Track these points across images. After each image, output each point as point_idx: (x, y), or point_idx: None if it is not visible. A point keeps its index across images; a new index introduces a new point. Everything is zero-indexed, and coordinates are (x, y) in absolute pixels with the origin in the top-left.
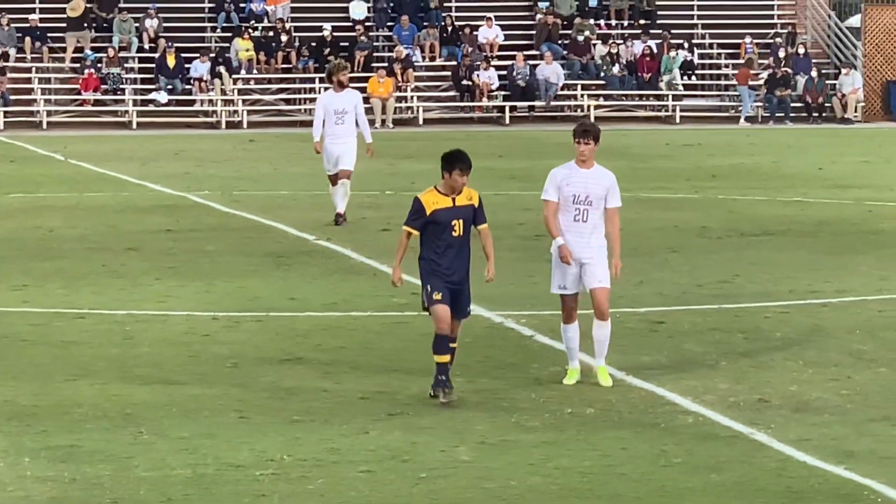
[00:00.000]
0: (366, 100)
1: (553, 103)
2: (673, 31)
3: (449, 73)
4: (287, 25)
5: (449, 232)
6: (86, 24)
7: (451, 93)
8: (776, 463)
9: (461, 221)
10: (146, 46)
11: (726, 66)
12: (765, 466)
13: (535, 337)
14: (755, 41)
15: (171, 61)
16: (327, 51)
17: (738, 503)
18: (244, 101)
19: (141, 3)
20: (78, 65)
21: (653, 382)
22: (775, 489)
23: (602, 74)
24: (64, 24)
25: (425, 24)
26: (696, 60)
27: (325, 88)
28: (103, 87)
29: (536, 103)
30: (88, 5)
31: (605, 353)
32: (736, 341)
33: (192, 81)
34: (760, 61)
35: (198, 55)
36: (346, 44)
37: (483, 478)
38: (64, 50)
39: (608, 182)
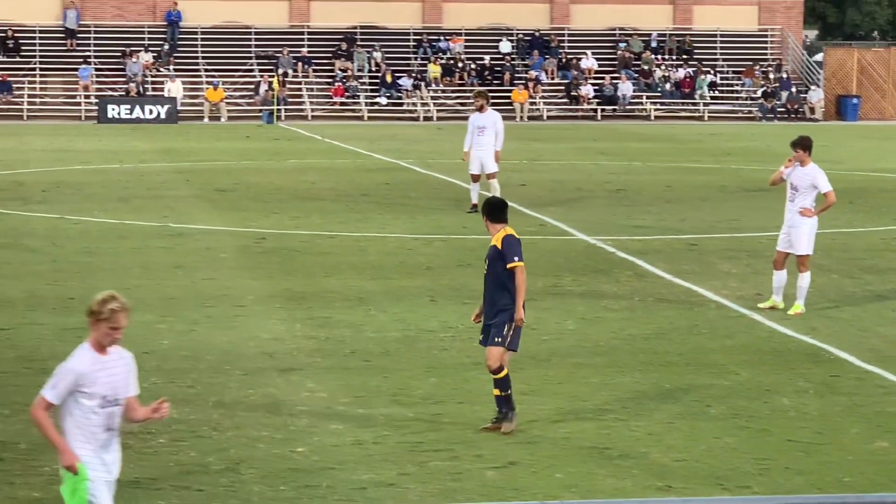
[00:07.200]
0: (509, 103)
1: (627, 107)
2: (703, 62)
3: (563, 88)
4: (461, 56)
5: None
6: (340, 55)
7: (564, 100)
8: (766, 333)
9: (487, 261)
10: (373, 68)
11: (739, 85)
12: (759, 336)
13: (617, 253)
14: (759, 69)
15: (388, 78)
16: (487, 73)
17: (742, 358)
18: (435, 103)
19: (370, 42)
20: (331, 80)
21: (689, 282)
22: (766, 349)
23: (658, 89)
24: (321, 54)
25: (547, 56)
26: (718, 82)
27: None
28: (346, 93)
29: (617, 107)
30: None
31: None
32: (741, 257)
33: (402, 91)
34: (761, 82)
35: (405, 74)
36: (499, 68)
37: (582, 339)
38: (322, 70)
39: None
